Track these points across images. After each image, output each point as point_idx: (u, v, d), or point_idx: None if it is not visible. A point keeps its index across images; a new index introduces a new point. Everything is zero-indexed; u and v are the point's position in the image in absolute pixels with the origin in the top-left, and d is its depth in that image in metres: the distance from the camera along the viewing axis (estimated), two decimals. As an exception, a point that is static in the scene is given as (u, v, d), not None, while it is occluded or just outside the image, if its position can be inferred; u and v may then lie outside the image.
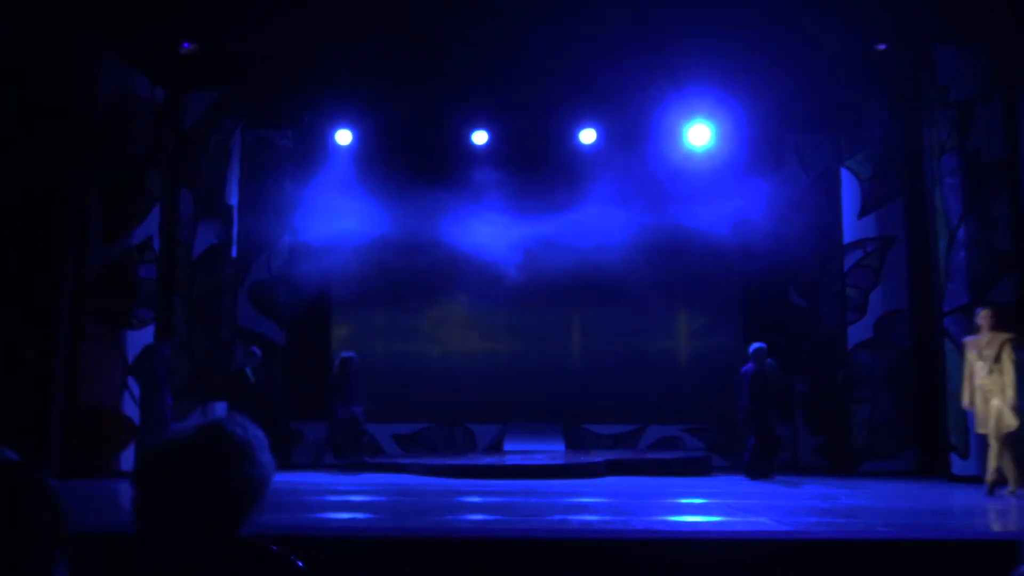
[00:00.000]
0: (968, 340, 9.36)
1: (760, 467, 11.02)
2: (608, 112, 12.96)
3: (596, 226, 13.24)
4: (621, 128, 13.10)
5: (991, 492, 8.84)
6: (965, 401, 9.23)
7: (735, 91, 11.69)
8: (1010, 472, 8.88)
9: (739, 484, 10.47)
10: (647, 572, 4.99)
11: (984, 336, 9.11)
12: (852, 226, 12.45)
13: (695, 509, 7.88)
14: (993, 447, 8.96)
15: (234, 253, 12.90)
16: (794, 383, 13.12)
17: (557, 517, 7.18)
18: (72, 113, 10.34)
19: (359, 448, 12.49)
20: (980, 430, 9.25)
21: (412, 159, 13.42)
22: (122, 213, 11.08)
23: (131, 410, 10.99)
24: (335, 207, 13.39)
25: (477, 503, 8.26)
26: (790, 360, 11.47)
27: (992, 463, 8.95)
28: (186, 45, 11.38)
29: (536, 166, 13.48)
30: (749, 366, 11.30)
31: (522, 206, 13.18)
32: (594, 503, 8.34)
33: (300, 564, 1.92)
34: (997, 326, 9.11)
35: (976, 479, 10.18)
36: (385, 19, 10.73)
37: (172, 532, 1.86)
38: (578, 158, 13.54)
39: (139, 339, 11.16)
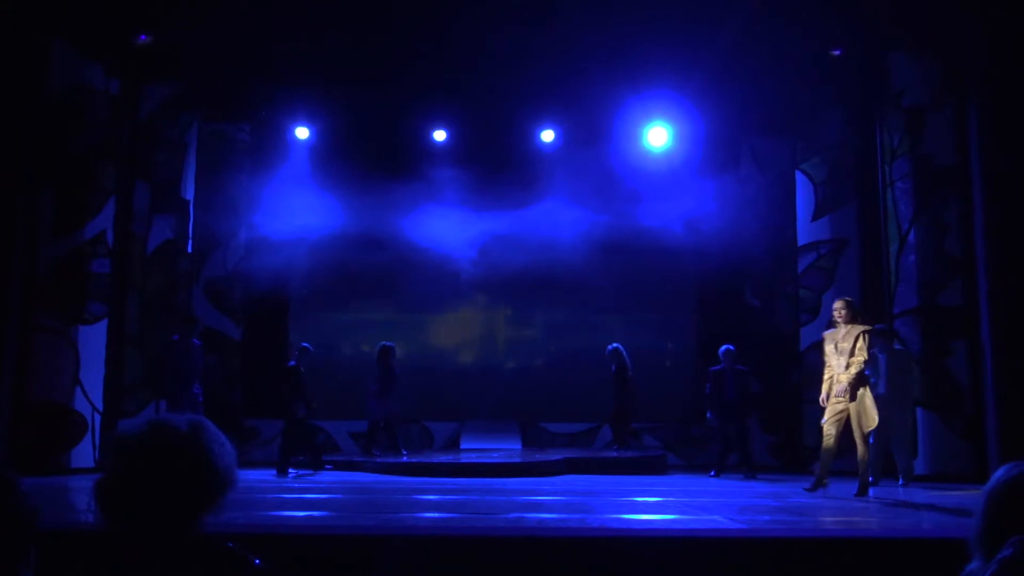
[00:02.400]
0: (825, 334, 9.08)
1: (751, 464, 11.22)
2: (568, 112, 13.02)
3: (554, 224, 13.28)
4: (580, 128, 13.17)
5: (816, 488, 8.80)
6: (822, 396, 8.90)
7: (693, 94, 11.80)
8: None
9: (694, 482, 10.57)
10: (602, 570, 5.02)
11: (841, 329, 8.79)
12: (806, 228, 12.63)
13: (650, 507, 7.95)
14: (828, 441, 8.80)
15: (190, 248, 12.76)
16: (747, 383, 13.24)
17: (513, 515, 7.20)
18: (22, 103, 10.14)
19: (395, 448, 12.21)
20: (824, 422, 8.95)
21: (371, 155, 13.37)
22: (75, 206, 10.86)
23: (83, 406, 10.81)
24: (293, 202, 13.29)
25: (434, 501, 8.25)
26: (743, 360, 11.61)
27: (827, 461, 8.83)
28: (143, 37, 11.21)
29: (495, 164, 13.48)
30: (720, 366, 11.46)
31: (480, 204, 13.19)
32: (550, 501, 8.36)
33: (257, 562, 1.92)
34: (854, 319, 8.80)
35: (925, 478, 10.38)
36: (345, 15, 10.68)
37: (137, 523, 1.85)
38: (537, 157, 13.59)
39: (92, 334, 10.99)
